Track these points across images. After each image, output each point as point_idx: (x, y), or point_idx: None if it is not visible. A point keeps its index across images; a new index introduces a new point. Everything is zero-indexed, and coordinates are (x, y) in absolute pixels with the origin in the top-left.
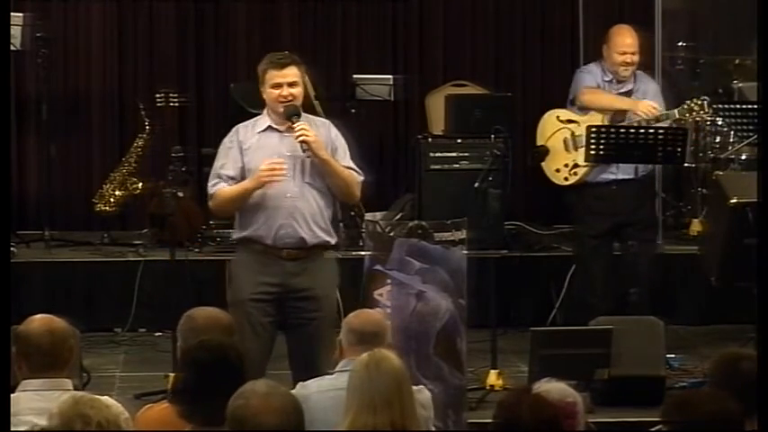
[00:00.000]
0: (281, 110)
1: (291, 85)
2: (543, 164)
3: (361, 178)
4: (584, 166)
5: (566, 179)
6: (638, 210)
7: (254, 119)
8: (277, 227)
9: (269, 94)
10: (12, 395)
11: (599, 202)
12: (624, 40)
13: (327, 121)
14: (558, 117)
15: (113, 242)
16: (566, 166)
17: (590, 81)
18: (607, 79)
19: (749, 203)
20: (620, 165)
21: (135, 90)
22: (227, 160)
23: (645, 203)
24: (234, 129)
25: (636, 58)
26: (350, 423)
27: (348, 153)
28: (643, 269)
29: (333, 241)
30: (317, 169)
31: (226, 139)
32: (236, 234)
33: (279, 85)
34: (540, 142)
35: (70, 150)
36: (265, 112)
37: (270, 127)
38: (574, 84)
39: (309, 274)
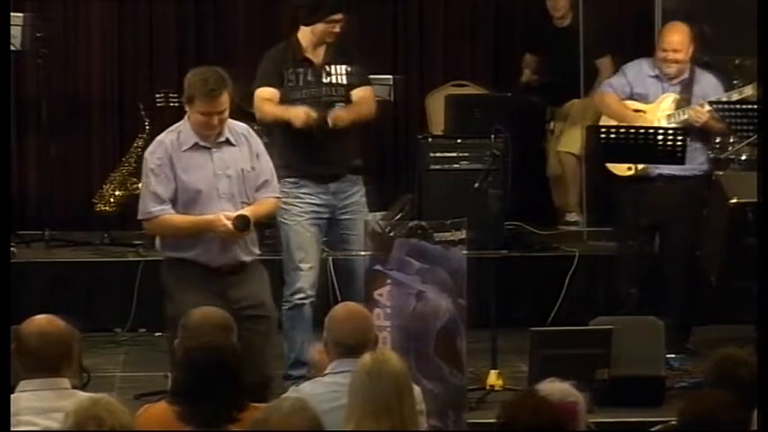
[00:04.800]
0: (208, 134)
1: (221, 113)
2: None
3: (277, 195)
4: None
5: (629, 168)
6: (681, 210)
7: (175, 131)
8: (217, 252)
9: (196, 117)
10: (12, 395)
11: (642, 197)
12: (670, 38)
13: (247, 127)
14: None
15: (113, 242)
16: None
17: (620, 83)
18: (653, 74)
19: (749, 203)
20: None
21: (135, 90)
22: (160, 179)
23: (690, 204)
24: (157, 143)
25: (680, 56)
26: (354, 429)
27: (267, 159)
28: (677, 270)
29: (258, 252)
30: (250, 183)
31: (152, 157)
32: (168, 253)
33: (208, 114)
34: None
35: (70, 150)
36: (188, 125)
37: (197, 144)
38: (612, 78)
39: (250, 282)
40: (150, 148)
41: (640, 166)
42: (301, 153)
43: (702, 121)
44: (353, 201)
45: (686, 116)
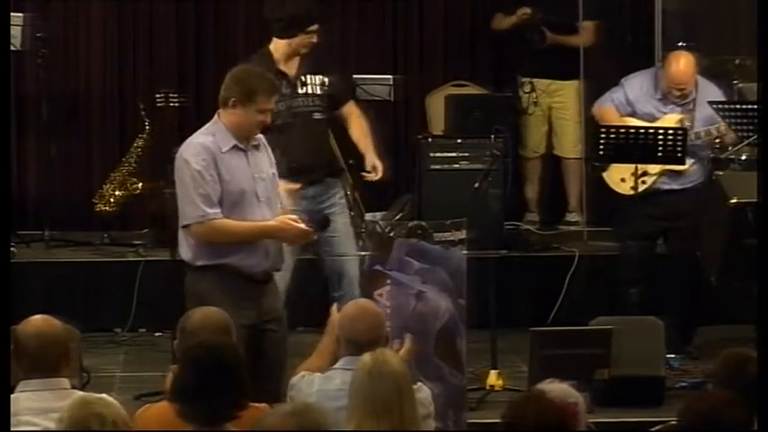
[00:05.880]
0: (254, 134)
1: (272, 111)
2: (605, 174)
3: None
4: (654, 174)
5: (633, 188)
6: (684, 216)
7: (208, 133)
8: (260, 258)
9: (252, 116)
10: (11, 395)
11: (649, 206)
12: (677, 74)
13: (262, 136)
14: None
15: (113, 242)
16: (632, 174)
17: (620, 100)
18: (658, 97)
19: (749, 203)
20: (672, 175)
21: (135, 90)
22: (208, 181)
23: (693, 211)
24: (198, 146)
25: (688, 88)
26: (354, 429)
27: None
28: (680, 271)
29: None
30: (275, 189)
31: (196, 159)
32: (205, 260)
33: (265, 111)
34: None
35: (70, 150)
36: (220, 126)
37: (235, 146)
38: (611, 91)
39: (274, 293)
40: (190, 150)
41: (646, 185)
42: (277, 159)
43: (729, 142)
44: (332, 203)
45: (713, 134)
